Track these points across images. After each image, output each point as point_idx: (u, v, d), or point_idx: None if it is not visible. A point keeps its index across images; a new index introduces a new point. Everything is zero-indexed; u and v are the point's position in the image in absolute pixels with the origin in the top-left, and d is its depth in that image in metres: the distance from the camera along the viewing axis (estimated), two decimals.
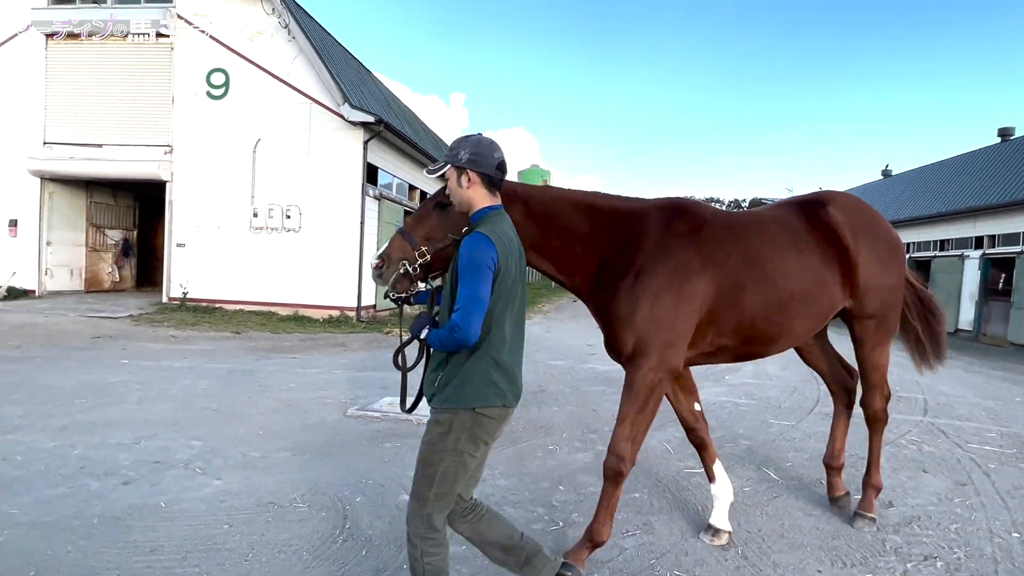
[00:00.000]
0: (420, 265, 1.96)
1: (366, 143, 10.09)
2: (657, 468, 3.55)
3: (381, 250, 2.00)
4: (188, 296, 10.21)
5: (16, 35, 10.91)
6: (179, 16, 10.43)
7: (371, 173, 10.77)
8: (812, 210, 2.67)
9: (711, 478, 2.70)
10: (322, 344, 7.81)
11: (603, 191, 2.68)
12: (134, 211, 13.75)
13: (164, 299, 10.60)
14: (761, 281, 2.43)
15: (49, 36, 10.82)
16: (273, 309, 10.14)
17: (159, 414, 4.18)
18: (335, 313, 10.07)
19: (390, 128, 10.22)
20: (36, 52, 10.92)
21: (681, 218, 2.48)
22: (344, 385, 5.44)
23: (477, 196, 1.77)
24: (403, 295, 1.94)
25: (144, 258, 14.34)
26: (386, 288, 1.99)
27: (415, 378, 1.90)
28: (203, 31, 10.31)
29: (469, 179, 1.74)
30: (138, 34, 10.57)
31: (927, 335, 2.97)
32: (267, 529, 2.58)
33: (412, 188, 13.66)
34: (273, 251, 10.21)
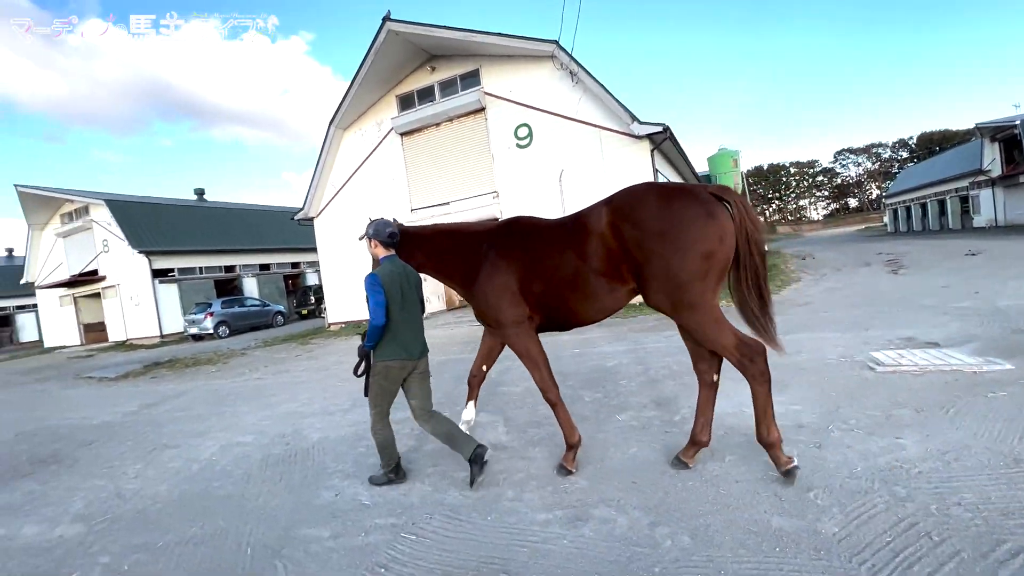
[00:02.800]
0: None
1: (652, 152, 11.85)
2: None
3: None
4: None
5: (384, 138, 15.71)
6: (487, 93, 13.76)
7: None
8: (581, 216, 3.18)
9: (466, 405, 3.94)
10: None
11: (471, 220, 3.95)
12: None
13: None
14: (540, 273, 3.20)
15: (403, 134, 15.34)
16: None
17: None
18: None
19: (671, 137, 11.80)
20: (396, 146, 15.55)
21: (505, 231, 3.46)
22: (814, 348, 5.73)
23: (379, 252, 3.39)
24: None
25: None
26: None
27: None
28: (508, 99, 13.42)
29: (374, 244, 3.38)
30: (461, 116, 14.28)
31: (755, 313, 2.90)
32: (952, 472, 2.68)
33: None
34: None
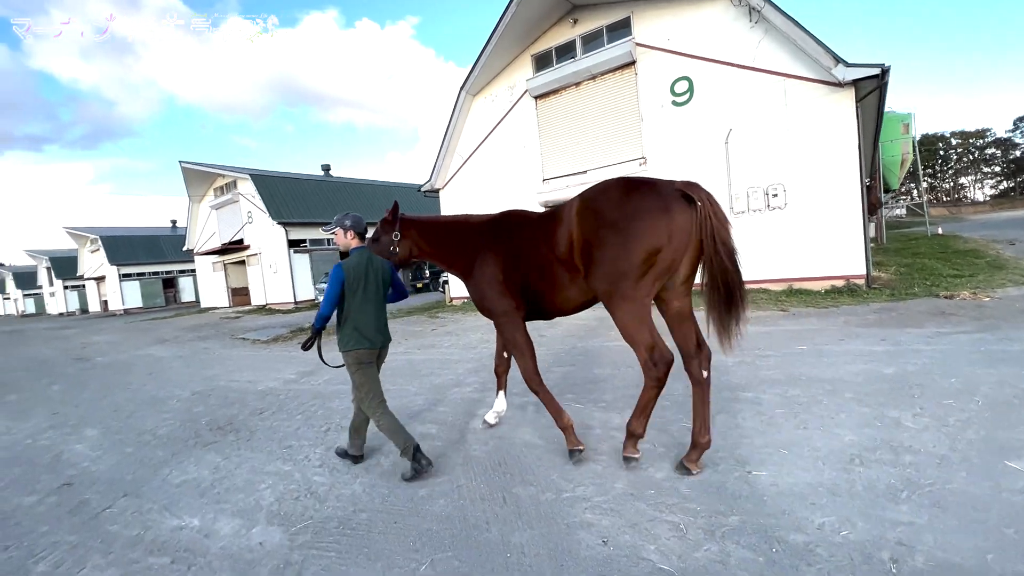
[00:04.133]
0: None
1: (858, 104, 9.52)
2: None
3: None
4: None
5: (516, 103, 14.71)
6: (640, 44, 12.09)
7: None
8: (559, 207, 3.32)
9: (497, 395, 4.37)
10: (904, 313, 7.64)
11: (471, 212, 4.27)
12: None
13: None
14: (519, 262, 3.45)
15: (537, 97, 14.20)
16: (764, 286, 10.67)
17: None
18: (838, 283, 9.90)
19: (883, 87, 9.37)
20: (529, 111, 14.47)
21: (497, 224, 3.70)
22: None
23: (353, 242, 3.67)
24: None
25: None
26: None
27: None
28: (665, 49, 11.67)
29: (348, 234, 3.65)
30: (605, 72, 12.77)
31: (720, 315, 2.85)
32: None
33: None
34: (757, 231, 10.73)
